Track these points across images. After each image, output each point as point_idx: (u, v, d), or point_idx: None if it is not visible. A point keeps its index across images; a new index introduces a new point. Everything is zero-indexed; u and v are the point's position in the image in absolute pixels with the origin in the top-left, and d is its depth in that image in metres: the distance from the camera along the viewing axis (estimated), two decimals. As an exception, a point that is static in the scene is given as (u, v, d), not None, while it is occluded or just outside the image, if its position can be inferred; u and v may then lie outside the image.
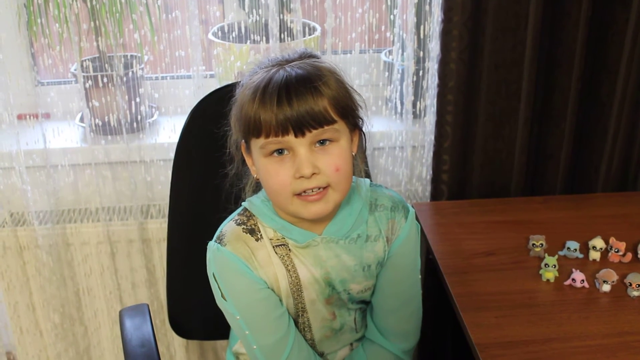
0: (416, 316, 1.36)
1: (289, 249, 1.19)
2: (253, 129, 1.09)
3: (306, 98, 1.06)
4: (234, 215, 1.23)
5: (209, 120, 1.30)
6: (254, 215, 1.20)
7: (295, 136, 1.07)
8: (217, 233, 1.21)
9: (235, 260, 1.16)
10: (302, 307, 1.23)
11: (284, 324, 1.20)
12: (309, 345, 1.25)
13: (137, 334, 1.40)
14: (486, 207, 1.64)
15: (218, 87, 1.44)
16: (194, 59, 1.71)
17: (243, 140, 1.15)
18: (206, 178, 1.41)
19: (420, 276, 1.33)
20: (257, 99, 1.07)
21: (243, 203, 1.23)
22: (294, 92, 1.06)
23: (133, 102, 1.78)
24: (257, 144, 1.10)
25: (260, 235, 1.19)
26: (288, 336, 1.20)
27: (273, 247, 1.18)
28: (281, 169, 1.10)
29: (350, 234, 1.22)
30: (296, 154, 1.08)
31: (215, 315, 1.25)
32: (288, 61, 1.11)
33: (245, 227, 1.19)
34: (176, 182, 1.46)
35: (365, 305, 1.34)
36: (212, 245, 1.19)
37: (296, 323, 1.24)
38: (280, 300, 1.20)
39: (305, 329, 1.27)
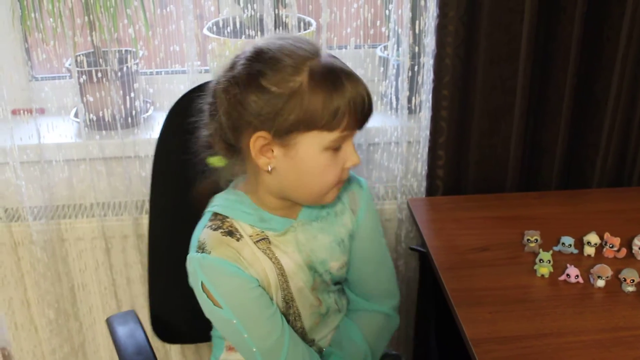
0: (392, 275, 1.42)
1: (269, 242, 1.20)
2: (329, 122, 1.06)
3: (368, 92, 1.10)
4: (204, 223, 1.20)
5: (189, 118, 1.26)
6: (227, 217, 1.19)
7: (359, 128, 1.11)
8: (194, 244, 1.18)
9: (224, 265, 1.14)
10: (290, 297, 1.23)
11: (279, 322, 1.19)
12: (301, 340, 1.25)
13: (131, 342, 1.37)
14: (481, 203, 1.64)
15: (199, 84, 1.39)
16: (188, 54, 1.70)
17: (269, 133, 1.08)
18: (187, 178, 1.33)
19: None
20: (340, 91, 1.06)
21: (209, 209, 1.21)
22: (364, 87, 1.10)
23: (128, 97, 1.78)
24: (322, 137, 1.08)
25: (240, 234, 1.18)
26: (284, 334, 1.20)
27: (254, 243, 1.18)
28: (334, 162, 1.12)
29: (321, 212, 1.26)
30: (346, 144, 1.12)
31: (202, 318, 1.22)
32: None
33: (222, 230, 1.18)
34: (156, 184, 1.42)
35: (341, 285, 1.38)
36: (194, 256, 1.16)
37: (286, 315, 1.24)
38: (271, 299, 1.20)
39: (296, 319, 1.27)
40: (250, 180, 1.19)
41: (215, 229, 1.17)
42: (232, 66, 1.10)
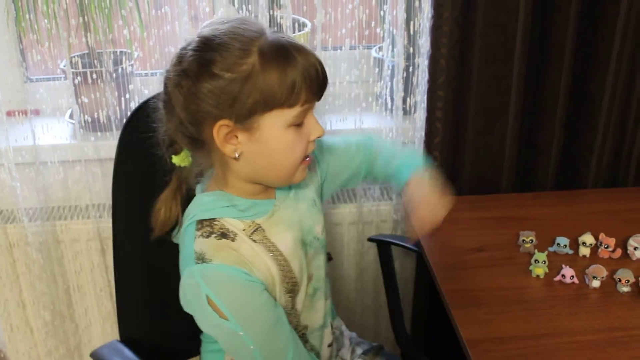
0: (385, 145, 1.45)
1: (263, 230, 1.17)
2: (287, 98, 1.05)
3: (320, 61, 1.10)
4: (192, 234, 1.14)
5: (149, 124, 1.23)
6: (213, 220, 1.14)
7: (318, 100, 1.11)
8: (189, 256, 1.12)
9: (231, 271, 1.10)
10: (293, 283, 1.21)
11: (285, 327, 1.17)
12: (303, 345, 1.24)
13: None
14: (476, 203, 1.64)
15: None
16: (183, 55, 1.70)
17: (231, 120, 1.06)
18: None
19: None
20: (293, 66, 1.05)
21: (190, 220, 1.15)
22: (315, 57, 1.08)
23: (123, 99, 1.78)
24: (283, 114, 1.07)
25: (233, 233, 1.14)
26: (289, 341, 1.17)
27: (249, 237, 1.15)
28: (299, 137, 1.11)
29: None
30: (308, 117, 1.11)
31: (188, 334, 1.20)
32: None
33: (215, 235, 1.13)
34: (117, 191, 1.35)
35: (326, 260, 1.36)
36: (195, 269, 1.10)
37: (289, 310, 1.22)
38: (275, 300, 1.18)
39: (296, 310, 1.25)
40: (219, 174, 1.17)
41: (207, 236, 1.13)
42: (180, 60, 1.07)
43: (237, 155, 1.10)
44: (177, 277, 1.14)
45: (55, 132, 1.81)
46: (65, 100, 1.79)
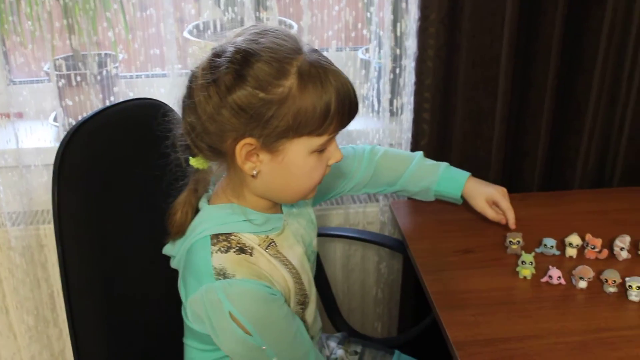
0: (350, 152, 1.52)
1: (276, 245, 1.16)
2: (319, 127, 1.04)
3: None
4: (207, 249, 1.10)
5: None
6: (230, 235, 1.12)
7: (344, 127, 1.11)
8: (206, 271, 1.08)
9: (254, 285, 1.08)
10: (304, 296, 1.21)
11: (304, 337, 1.17)
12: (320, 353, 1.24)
13: None
14: (464, 205, 1.63)
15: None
16: (169, 57, 1.69)
17: (257, 141, 1.04)
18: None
19: None
20: (330, 94, 1.03)
21: (204, 234, 1.12)
22: (350, 86, 1.07)
23: (107, 101, 1.76)
24: (311, 142, 1.05)
25: (250, 248, 1.12)
26: (309, 349, 1.17)
27: (265, 250, 1.14)
28: (319, 163, 1.10)
29: None
30: (331, 143, 1.11)
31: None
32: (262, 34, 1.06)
33: (234, 250, 1.10)
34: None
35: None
36: (217, 285, 1.06)
37: (302, 316, 1.22)
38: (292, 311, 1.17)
39: (306, 321, 1.25)
40: (233, 185, 1.14)
41: (226, 251, 1.10)
42: (212, 67, 1.03)
43: (255, 173, 1.08)
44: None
45: (39, 135, 1.79)
46: (49, 103, 1.77)
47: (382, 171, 1.51)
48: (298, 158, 1.07)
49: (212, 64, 1.04)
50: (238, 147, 1.05)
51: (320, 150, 1.09)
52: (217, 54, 1.05)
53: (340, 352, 1.49)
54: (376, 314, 2.03)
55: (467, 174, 1.54)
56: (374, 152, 1.51)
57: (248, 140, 1.04)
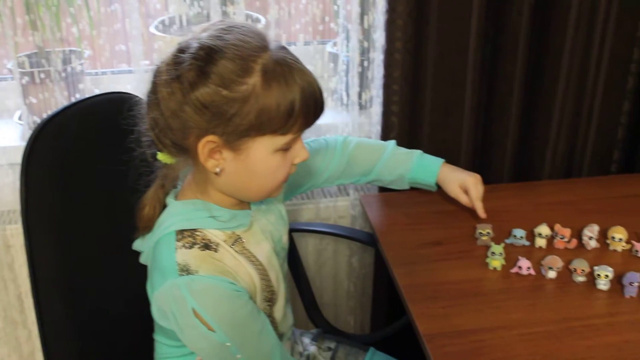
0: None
1: (242, 241, 1.15)
2: (282, 125, 1.03)
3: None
4: (171, 245, 1.09)
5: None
6: (195, 231, 1.11)
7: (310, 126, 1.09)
8: (170, 267, 1.07)
9: (218, 282, 1.07)
10: (271, 292, 1.20)
11: (270, 334, 1.16)
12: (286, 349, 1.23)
13: None
14: (434, 197, 1.63)
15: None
16: (135, 53, 1.67)
17: (220, 138, 1.03)
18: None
19: None
20: (295, 92, 1.01)
21: (169, 230, 1.10)
22: (316, 84, 1.06)
23: (73, 99, 1.74)
24: (275, 141, 1.04)
25: (215, 244, 1.11)
26: (275, 346, 1.16)
27: (231, 247, 1.13)
28: (284, 161, 1.09)
29: None
30: (296, 141, 1.09)
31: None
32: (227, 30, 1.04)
33: (199, 245, 1.09)
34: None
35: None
36: (180, 281, 1.06)
37: (269, 317, 1.22)
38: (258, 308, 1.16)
39: (274, 318, 1.24)
40: (198, 182, 1.13)
41: (190, 247, 1.09)
42: (176, 63, 1.02)
43: (218, 170, 1.07)
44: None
45: (3, 133, 1.77)
46: (12, 101, 1.74)
47: (355, 162, 1.51)
48: (261, 157, 1.06)
49: (176, 60, 1.02)
50: (200, 144, 1.04)
51: (285, 149, 1.08)
52: (181, 50, 1.03)
53: (313, 348, 1.49)
54: (349, 307, 2.03)
55: (440, 160, 1.54)
56: (346, 143, 1.51)
57: (210, 137, 1.03)
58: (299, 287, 1.71)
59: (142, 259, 1.19)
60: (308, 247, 1.93)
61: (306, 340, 1.51)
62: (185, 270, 1.06)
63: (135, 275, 1.19)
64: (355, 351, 1.50)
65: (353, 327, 2.06)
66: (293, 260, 1.68)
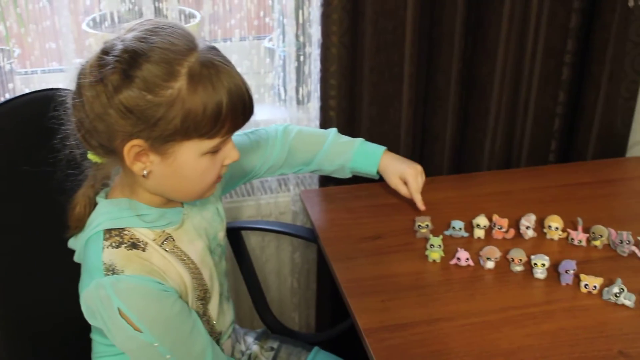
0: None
1: (173, 239, 1.14)
2: (209, 130, 1.01)
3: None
4: (99, 245, 1.08)
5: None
6: (123, 230, 1.09)
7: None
8: (97, 267, 1.06)
9: (143, 281, 1.05)
10: (204, 291, 1.19)
11: (201, 333, 1.14)
12: (220, 349, 1.21)
13: None
14: (373, 191, 1.63)
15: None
16: (66, 51, 1.63)
17: (146, 142, 1.01)
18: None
19: None
20: (221, 95, 0.99)
21: (97, 229, 1.09)
22: (245, 87, 1.04)
23: (2, 99, 1.68)
24: (202, 144, 1.02)
25: (143, 243, 1.10)
26: (207, 346, 1.15)
27: (160, 246, 1.11)
28: (213, 164, 1.07)
29: None
30: (225, 143, 1.07)
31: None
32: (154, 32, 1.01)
33: (125, 245, 1.08)
34: None
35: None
36: (105, 281, 1.04)
37: (203, 316, 1.20)
38: (189, 307, 1.14)
39: (210, 317, 1.23)
40: (127, 181, 1.12)
41: (117, 247, 1.07)
42: (100, 64, 0.99)
43: (145, 173, 1.05)
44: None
45: None
46: (-63, 102, 1.68)
47: (296, 151, 1.49)
48: (189, 160, 1.04)
49: (100, 62, 1.00)
50: (126, 148, 1.02)
51: (214, 152, 1.06)
52: (105, 51, 1.00)
53: (255, 347, 1.47)
54: (293, 304, 2.01)
55: (382, 148, 1.53)
56: (287, 132, 1.49)
57: (136, 142, 1.01)
58: (248, 285, 1.69)
59: (76, 258, 1.17)
60: (250, 244, 1.91)
61: (249, 339, 1.49)
62: (111, 270, 1.05)
63: (71, 274, 1.17)
64: (299, 351, 1.49)
65: (298, 324, 2.04)
66: (242, 258, 1.67)
